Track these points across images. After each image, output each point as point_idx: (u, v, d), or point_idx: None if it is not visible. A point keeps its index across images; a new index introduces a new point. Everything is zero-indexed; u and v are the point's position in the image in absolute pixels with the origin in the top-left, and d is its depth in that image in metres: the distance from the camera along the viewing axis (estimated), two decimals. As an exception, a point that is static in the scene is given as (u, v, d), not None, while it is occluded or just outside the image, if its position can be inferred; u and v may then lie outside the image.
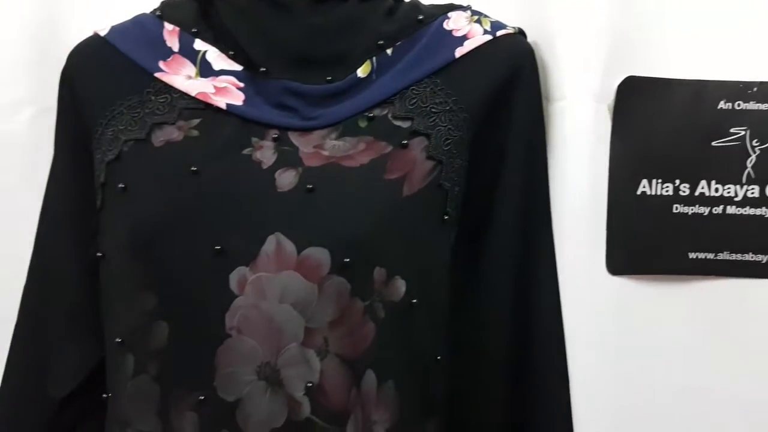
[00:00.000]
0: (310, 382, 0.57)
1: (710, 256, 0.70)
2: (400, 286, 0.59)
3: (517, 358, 0.67)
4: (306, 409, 0.57)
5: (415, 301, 0.60)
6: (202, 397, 0.57)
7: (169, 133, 0.62)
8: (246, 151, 0.60)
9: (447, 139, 0.63)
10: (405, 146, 0.61)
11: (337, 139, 0.61)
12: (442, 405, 0.66)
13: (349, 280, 0.57)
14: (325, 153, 0.60)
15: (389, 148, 0.61)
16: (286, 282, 0.57)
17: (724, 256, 0.70)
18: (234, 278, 0.57)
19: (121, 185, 0.61)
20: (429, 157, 0.62)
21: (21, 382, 0.69)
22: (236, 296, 0.57)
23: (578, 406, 0.67)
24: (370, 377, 0.58)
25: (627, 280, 0.69)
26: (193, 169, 0.59)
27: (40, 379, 0.68)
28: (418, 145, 0.62)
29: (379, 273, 0.58)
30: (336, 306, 0.57)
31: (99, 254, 0.64)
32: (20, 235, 0.72)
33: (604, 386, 0.69)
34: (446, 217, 0.63)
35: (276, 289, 0.57)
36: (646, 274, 0.69)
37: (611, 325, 0.69)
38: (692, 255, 0.70)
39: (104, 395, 0.64)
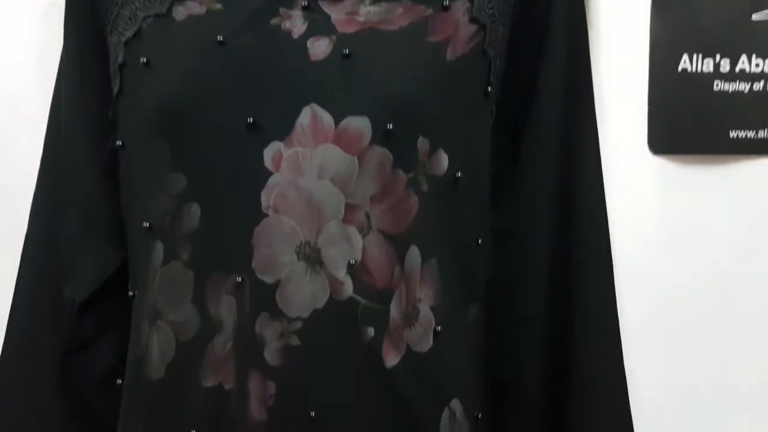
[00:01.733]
0: (353, 260, 0.53)
1: (751, 134, 0.67)
2: (444, 159, 0.56)
3: (560, 242, 0.63)
4: (348, 288, 0.54)
5: (459, 175, 0.56)
6: (240, 279, 0.53)
7: (190, 8, 0.56)
8: (274, 21, 0.55)
9: (490, 2, 0.58)
10: (447, 8, 0.56)
11: (371, 4, 0.56)
12: (483, 291, 0.62)
13: (391, 150, 0.53)
14: (360, 19, 0.55)
15: (429, 11, 0.56)
16: (324, 156, 0.53)
17: (764, 134, 0.68)
18: (268, 154, 0.53)
19: (143, 60, 0.56)
20: (472, 20, 0.57)
21: (36, 286, 0.65)
22: (271, 173, 0.53)
23: (619, 289, 0.65)
24: (413, 253, 0.55)
25: (669, 160, 0.67)
26: (219, 39, 0.54)
27: (56, 282, 0.64)
28: (460, 7, 0.57)
29: (422, 143, 0.54)
30: (378, 179, 0.53)
31: (118, 143, 0.60)
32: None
33: (645, 269, 0.67)
34: (489, 89, 0.58)
35: (314, 165, 0.53)
36: (687, 154, 0.67)
37: (652, 206, 0.67)
38: (733, 134, 0.67)
39: (130, 293, 0.60)
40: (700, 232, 0.67)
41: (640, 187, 0.67)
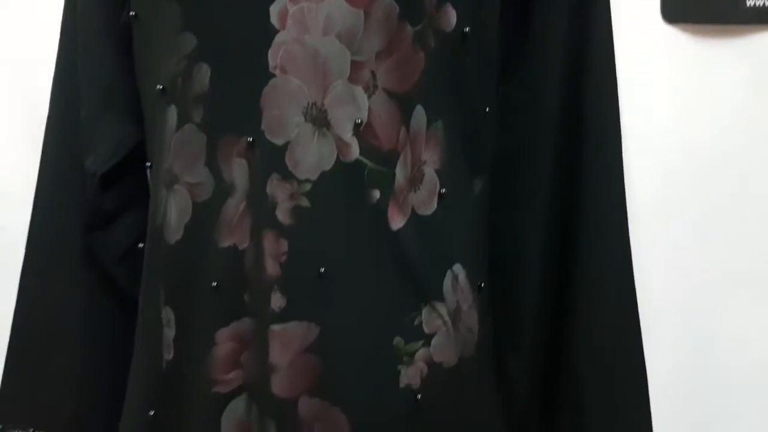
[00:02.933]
0: (359, 120, 0.54)
1: (768, 3, 0.67)
2: (452, 13, 0.55)
3: (569, 114, 0.63)
4: (355, 150, 0.54)
5: (467, 30, 0.56)
6: (250, 140, 0.54)
7: None
8: None
9: None
10: None
11: None
12: (489, 166, 0.63)
13: (397, 1, 0.52)
14: None
15: None
16: (329, 10, 0.52)
17: (781, 4, 0.67)
18: (275, 10, 0.53)
19: None
20: None
21: (59, 162, 0.68)
22: (277, 31, 0.53)
23: (628, 162, 0.65)
24: (419, 114, 0.55)
25: (682, 30, 0.66)
26: None
27: (78, 157, 0.66)
28: None
29: None
30: (384, 33, 0.53)
31: (132, 14, 0.60)
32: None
33: (655, 142, 0.67)
34: None
35: (319, 20, 0.53)
36: (701, 24, 0.66)
37: (664, 77, 0.66)
38: (750, 3, 0.66)
39: (148, 164, 0.62)
40: (712, 106, 0.66)
41: (651, 57, 0.66)
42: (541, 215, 0.64)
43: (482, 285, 0.62)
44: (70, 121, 0.67)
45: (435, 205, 0.57)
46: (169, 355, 0.59)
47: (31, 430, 0.70)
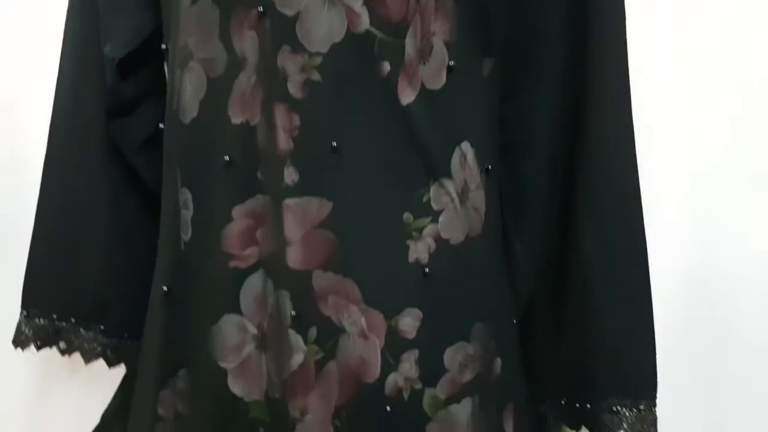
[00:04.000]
0: None
1: None
2: None
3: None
4: (365, 20, 0.55)
5: None
6: (261, 10, 0.55)
7: None
8: None
9: None
10: None
11: None
12: (499, 49, 0.62)
13: None
14: None
15: None
16: None
17: None
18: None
19: None
20: None
21: (79, 48, 0.69)
22: None
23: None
24: None
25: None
26: None
27: (98, 44, 0.67)
28: None
29: None
30: None
31: None
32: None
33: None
34: None
35: None
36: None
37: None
38: None
39: (163, 46, 0.63)
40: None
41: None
42: (550, 101, 0.65)
43: (490, 168, 0.63)
44: (89, 10, 0.68)
45: (444, 79, 0.58)
46: (186, 235, 0.61)
47: (54, 317, 0.72)
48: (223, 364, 0.60)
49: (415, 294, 0.59)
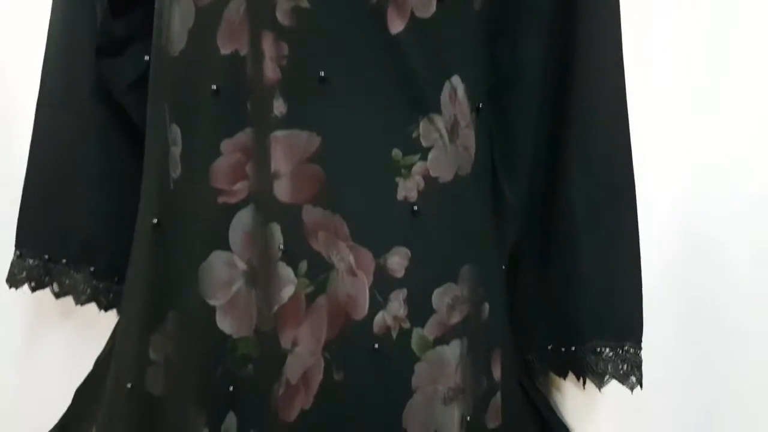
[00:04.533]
0: None
1: None
2: None
3: None
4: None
5: None
6: None
7: None
8: None
9: None
10: None
11: None
12: None
13: None
14: None
15: None
16: None
17: None
18: None
19: None
20: None
21: None
22: None
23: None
24: None
25: None
26: None
27: None
28: None
29: None
30: None
31: None
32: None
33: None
34: None
35: None
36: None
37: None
38: None
39: None
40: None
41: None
42: (541, 41, 0.65)
43: (480, 106, 0.62)
44: None
45: (434, 7, 0.57)
46: (175, 173, 0.61)
47: (46, 257, 0.73)
48: (211, 302, 0.60)
49: (404, 233, 0.59)
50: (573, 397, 0.72)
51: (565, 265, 0.66)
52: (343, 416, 0.60)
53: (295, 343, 0.59)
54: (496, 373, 0.65)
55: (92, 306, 0.74)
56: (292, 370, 0.59)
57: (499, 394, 0.66)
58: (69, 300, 0.74)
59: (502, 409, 0.65)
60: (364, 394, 0.60)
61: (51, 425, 0.72)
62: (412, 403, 0.60)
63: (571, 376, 0.68)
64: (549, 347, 0.68)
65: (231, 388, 0.60)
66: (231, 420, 0.60)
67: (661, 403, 0.71)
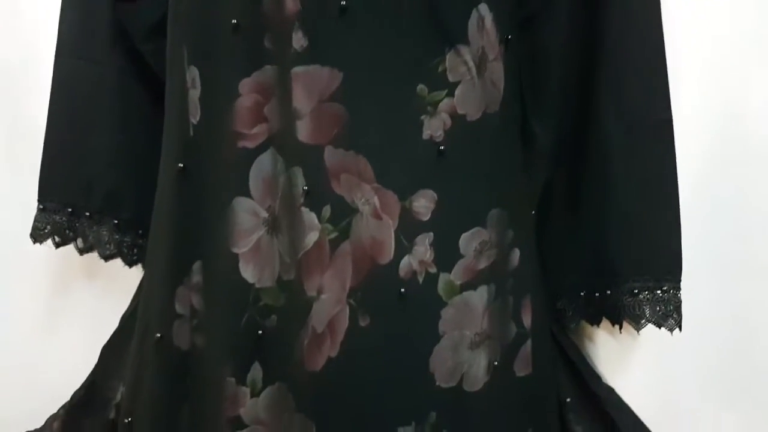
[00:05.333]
0: None
1: None
2: None
3: None
4: None
5: None
6: None
7: None
8: None
9: None
10: None
11: None
12: None
13: None
14: None
15: None
16: None
17: None
18: None
19: None
20: None
21: None
22: None
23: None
24: None
25: None
26: None
27: None
28: None
29: None
30: None
31: None
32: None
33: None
34: None
35: None
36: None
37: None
38: None
39: None
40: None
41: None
42: None
43: (509, 38, 0.59)
44: None
45: None
46: (195, 118, 0.59)
47: (69, 210, 0.71)
48: (234, 249, 0.59)
49: (429, 174, 0.57)
50: (605, 347, 0.69)
51: (599, 203, 0.63)
52: (370, 363, 0.59)
53: (320, 291, 0.58)
54: (527, 320, 0.63)
55: (117, 263, 0.73)
56: (318, 318, 0.58)
57: (529, 342, 0.64)
58: (94, 259, 0.72)
59: (532, 358, 0.64)
60: (390, 339, 0.59)
61: (78, 384, 0.72)
62: (439, 347, 0.59)
63: (604, 324, 0.66)
64: (582, 293, 0.65)
65: (255, 340, 0.58)
66: (257, 370, 0.60)
67: (695, 352, 0.68)
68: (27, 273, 0.81)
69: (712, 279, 0.67)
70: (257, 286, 0.59)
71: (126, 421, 0.65)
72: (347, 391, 0.58)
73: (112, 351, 0.71)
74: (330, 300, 0.58)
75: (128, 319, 0.71)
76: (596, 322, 0.66)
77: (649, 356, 0.69)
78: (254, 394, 0.60)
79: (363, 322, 0.58)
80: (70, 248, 0.72)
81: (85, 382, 0.71)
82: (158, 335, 0.62)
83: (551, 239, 0.66)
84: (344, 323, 0.58)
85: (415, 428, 0.59)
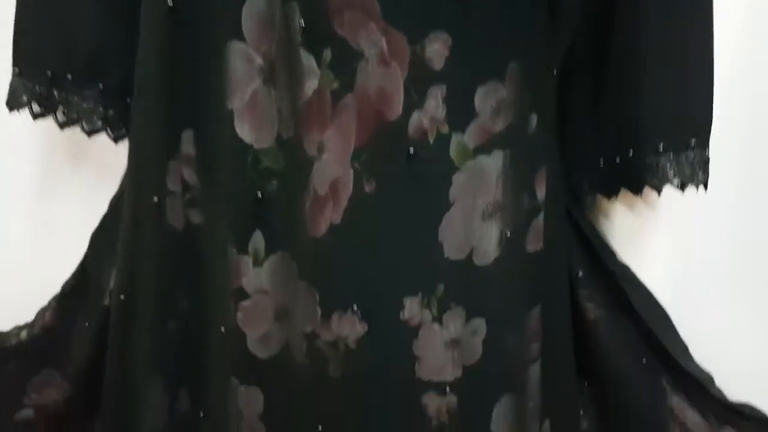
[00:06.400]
0: None
1: None
2: None
3: None
4: None
5: None
6: None
7: None
8: None
9: None
10: None
11: None
12: None
13: None
14: None
15: None
16: None
17: None
18: None
19: None
20: None
21: None
22: None
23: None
24: None
25: None
26: None
27: None
28: None
29: None
30: None
31: None
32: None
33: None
34: None
35: None
36: None
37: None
38: None
39: None
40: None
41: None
42: None
43: None
44: None
45: None
46: None
47: (49, 74, 0.64)
48: (229, 105, 0.54)
49: (444, 14, 0.51)
50: (622, 224, 0.65)
51: (628, 59, 0.58)
52: (376, 231, 0.55)
53: (321, 149, 0.53)
54: (540, 192, 0.59)
55: (106, 147, 0.66)
56: (320, 180, 0.53)
57: (542, 216, 0.59)
58: (81, 142, 0.66)
59: (544, 232, 0.60)
60: (397, 206, 0.54)
61: (71, 272, 0.67)
62: (449, 216, 0.55)
63: (621, 199, 0.62)
64: (601, 161, 0.61)
65: (256, 206, 0.55)
66: (258, 239, 0.56)
67: (715, 230, 0.65)
68: (12, 164, 0.76)
69: (736, 146, 0.62)
70: (256, 146, 0.54)
71: (121, 297, 0.61)
72: (351, 259, 0.55)
73: (102, 236, 0.66)
74: (332, 161, 0.53)
75: (118, 202, 0.66)
76: (614, 192, 0.62)
77: (666, 234, 0.65)
78: (256, 263, 0.57)
79: (368, 188, 0.54)
80: (54, 134, 0.65)
81: (76, 270, 0.67)
82: (150, 214, 0.58)
83: (572, 105, 0.61)
84: (348, 189, 0.54)
85: (421, 299, 0.56)
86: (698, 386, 0.63)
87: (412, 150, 0.53)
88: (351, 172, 0.53)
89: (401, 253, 0.55)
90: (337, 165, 0.53)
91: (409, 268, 0.56)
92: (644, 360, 0.63)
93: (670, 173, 0.56)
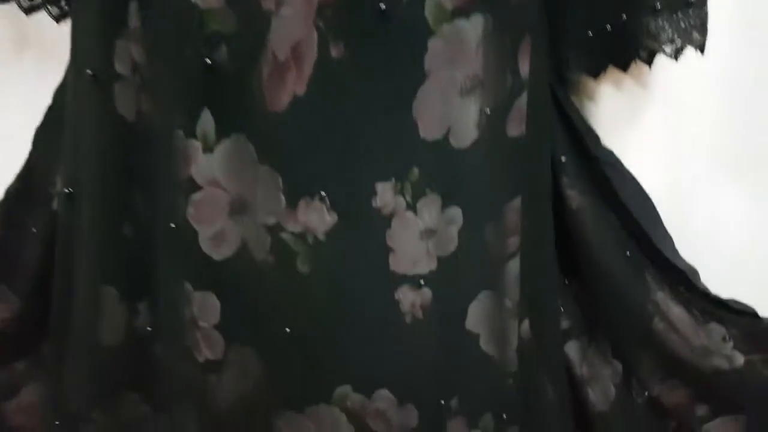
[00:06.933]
0: None
1: None
2: None
3: None
4: None
5: None
6: None
7: None
8: None
9: None
10: None
11: None
12: None
13: None
14: None
15: None
16: None
17: None
18: None
19: None
20: None
21: None
22: None
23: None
24: None
25: None
26: None
27: None
28: None
29: None
30: None
31: None
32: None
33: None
34: None
35: None
36: None
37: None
38: None
39: None
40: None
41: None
42: None
43: None
44: None
45: None
46: None
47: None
48: None
49: None
50: (608, 107, 0.60)
51: None
52: (344, 104, 0.49)
53: (279, 2, 0.46)
54: (524, 68, 0.53)
55: (46, 28, 0.59)
56: (279, 40, 0.47)
57: (525, 96, 0.54)
58: (20, 24, 0.59)
59: (527, 115, 0.54)
60: (367, 74, 0.48)
61: (15, 172, 0.59)
62: (424, 90, 0.49)
63: (609, 77, 0.57)
64: (590, 31, 0.55)
65: (202, 78, 0.48)
66: (207, 118, 0.49)
67: (706, 116, 0.60)
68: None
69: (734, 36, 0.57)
70: (201, 6, 0.47)
71: (66, 191, 0.55)
72: (318, 137, 0.49)
73: (47, 133, 0.59)
74: (293, 18, 0.46)
75: (59, 93, 0.58)
76: (602, 67, 0.56)
77: (656, 117, 0.60)
78: (206, 149, 0.50)
79: (335, 52, 0.47)
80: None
81: (20, 172, 0.59)
82: (97, 102, 0.51)
83: None
84: (312, 52, 0.47)
85: (394, 184, 0.50)
86: (684, 280, 0.60)
87: (383, 6, 0.46)
88: (315, 33, 0.47)
89: (372, 130, 0.50)
90: (298, 23, 0.46)
91: (382, 148, 0.50)
92: (628, 253, 0.59)
93: (668, 32, 0.51)
